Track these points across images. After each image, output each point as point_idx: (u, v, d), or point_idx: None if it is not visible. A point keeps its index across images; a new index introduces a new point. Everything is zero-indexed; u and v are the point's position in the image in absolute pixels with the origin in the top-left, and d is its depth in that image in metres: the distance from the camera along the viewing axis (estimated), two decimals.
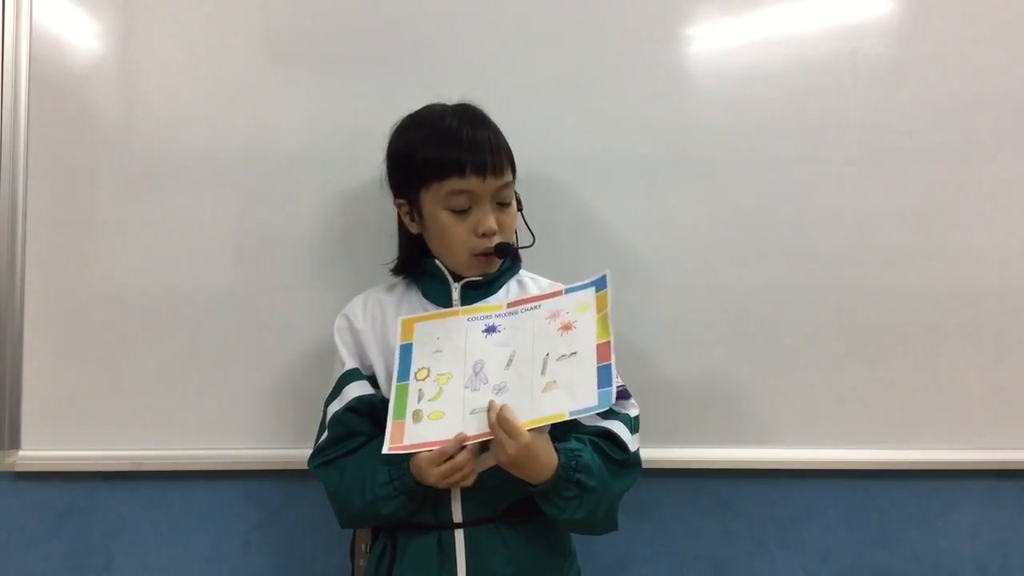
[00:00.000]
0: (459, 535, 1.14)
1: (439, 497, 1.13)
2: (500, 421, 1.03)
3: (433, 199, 1.15)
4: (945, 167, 1.47)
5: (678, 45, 1.47)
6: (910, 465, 1.49)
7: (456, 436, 1.06)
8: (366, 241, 1.41)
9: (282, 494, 1.48)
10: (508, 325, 1.15)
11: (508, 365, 1.11)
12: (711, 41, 1.47)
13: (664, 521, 1.51)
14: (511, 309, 1.17)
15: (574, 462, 1.08)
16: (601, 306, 1.13)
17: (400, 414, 1.10)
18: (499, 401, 1.07)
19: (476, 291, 1.21)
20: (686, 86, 1.46)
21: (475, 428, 1.07)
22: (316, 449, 1.19)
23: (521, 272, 1.28)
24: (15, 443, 1.43)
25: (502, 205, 1.17)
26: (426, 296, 1.23)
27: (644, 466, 1.46)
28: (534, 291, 1.24)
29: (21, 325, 1.42)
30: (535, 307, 1.16)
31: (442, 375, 1.12)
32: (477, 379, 1.11)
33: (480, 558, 1.13)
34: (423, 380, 1.12)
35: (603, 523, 1.14)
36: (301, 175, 1.44)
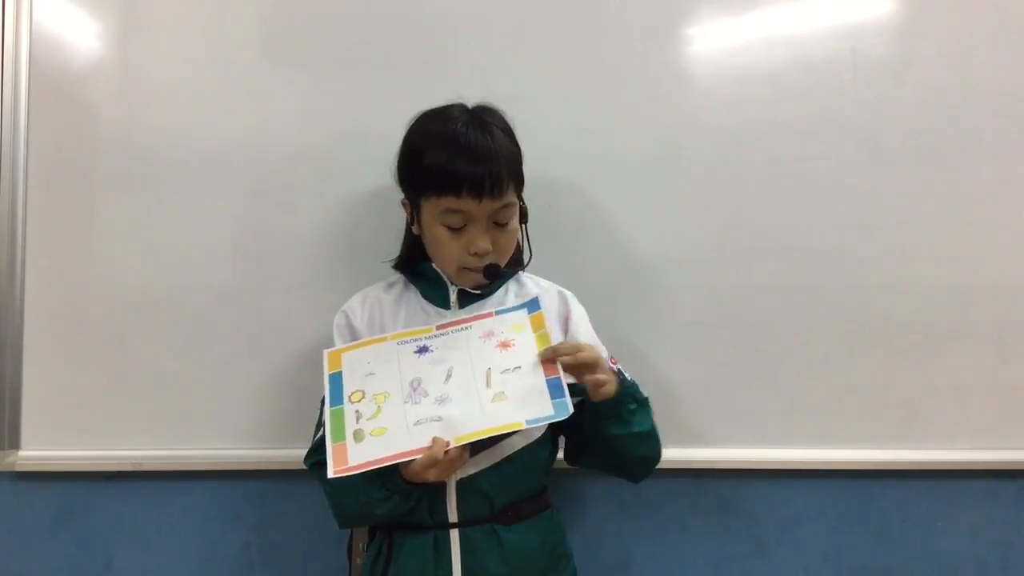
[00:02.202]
0: (454, 535, 1.14)
1: (435, 497, 1.13)
2: (583, 360, 1.07)
3: (430, 210, 1.15)
4: (945, 167, 1.47)
5: (678, 45, 1.47)
6: (910, 465, 1.49)
7: (438, 443, 1.03)
8: (366, 241, 1.41)
9: (282, 494, 1.48)
10: (440, 345, 1.14)
11: (447, 379, 1.10)
12: (711, 41, 1.47)
13: (664, 521, 1.51)
14: (440, 331, 1.16)
15: (624, 377, 1.14)
16: (537, 326, 1.13)
17: (339, 436, 1.08)
18: (444, 412, 1.07)
19: (473, 293, 1.21)
20: (686, 86, 1.46)
21: (422, 439, 1.05)
22: (312, 447, 1.19)
23: (520, 273, 1.28)
24: (15, 443, 1.43)
25: (499, 224, 1.16)
26: (424, 297, 1.23)
27: None
28: (533, 291, 1.25)
29: (21, 325, 1.42)
30: (466, 328, 1.15)
31: (378, 394, 1.11)
32: (416, 393, 1.10)
33: (475, 558, 1.13)
34: (358, 402, 1.11)
35: (659, 445, 1.19)
36: (301, 175, 1.44)
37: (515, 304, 1.18)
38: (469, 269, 1.17)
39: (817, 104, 1.46)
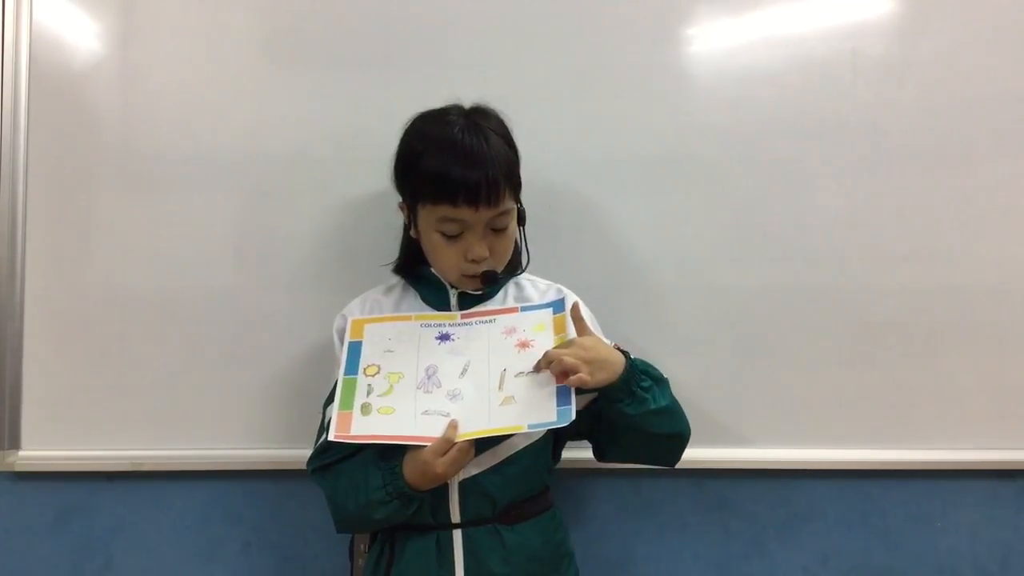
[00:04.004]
0: (457, 535, 1.14)
1: (437, 498, 1.13)
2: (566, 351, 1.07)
3: (427, 218, 1.14)
4: (945, 167, 1.47)
5: (678, 45, 1.47)
6: (910, 465, 1.49)
7: (451, 422, 1.06)
8: (365, 241, 1.41)
9: (282, 494, 1.48)
10: (461, 335, 1.16)
11: (463, 374, 1.12)
12: (711, 41, 1.47)
13: (664, 521, 1.51)
14: (465, 320, 1.18)
15: (631, 355, 1.12)
16: (559, 328, 1.14)
17: (347, 405, 1.10)
18: (454, 409, 1.08)
19: (473, 296, 1.21)
20: (686, 86, 1.46)
21: (428, 429, 1.07)
22: (314, 452, 1.19)
23: (520, 275, 1.28)
24: (15, 443, 1.43)
25: (496, 230, 1.15)
26: (424, 300, 1.23)
27: (645, 466, 1.46)
28: (531, 293, 1.25)
29: (21, 325, 1.42)
30: (490, 320, 1.17)
31: (393, 373, 1.13)
32: (430, 382, 1.12)
33: (478, 558, 1.13)
34: (372, 376, 1.13)
35: (686, 419, 1.17)
36: (301, 175, 1.44)
37: (539, 303, 1.20)
38: (468, 275, 1.17)
39: (817, 104, 1.46)
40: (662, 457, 1.23)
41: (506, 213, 1.15)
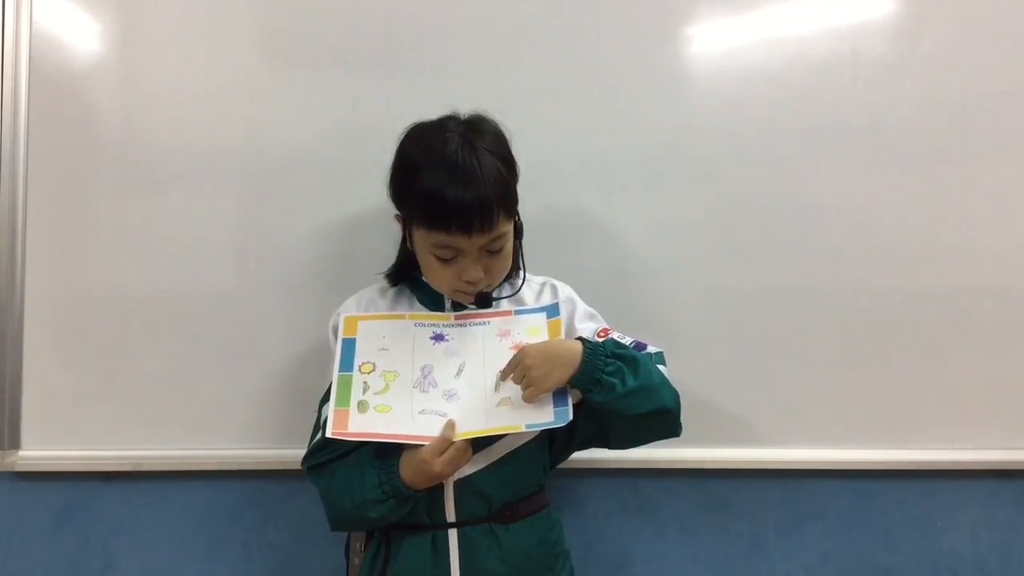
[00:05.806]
0: (453, 535, 1.14)
1: (433, 497, 1.13)
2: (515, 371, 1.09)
3: (421, 238, 1.13)
4: (945, 167, 1.47)
5: (678, 45, 1.47)
6: (910, 465, 1.49)
7: (448, 421, 1.08)
8: (365, 241, 1.41)
9: (282, 494, 1.48)
10: (456, 335, 1.16)
11: (458, 374, 1.13)
12: (711, 41, 1.47)
13: (664, 521, 1.51)
14: (459, 321, 1.18)
15: (591, 345, 1.09)
16: (554, 333, 1.15)
17: (343, 402, 1.11)
18: (451, 409, 1.09)
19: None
20: (686, 86, 1.46)
21: (425, 428, 1.08)
22: (309, 450, 1.18)
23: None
24: (15, 443, 1.43)
25: (492, 252, 1.14)
26: (420, 302, 1.23)
27: (644, 466, 1.46)
28: (526, 293, 1.24)
29: (21, 325, 1.43)
30: (484, 323, 1.17)
31: (388, 372, 1.13)
32: (426, 381, 1.12)
33: (474, 557, 1.13)
34: (368, 373, 1.13)
35: (667, 392, 1.11)
36: (301, 175, 1.44)
37: (534, 307, 1.20)
38: (462, 292, 1.16)
39: (817, 104, 1.46)
40: (658, 432, 1.17)
41: (501, 236, 1.13)
